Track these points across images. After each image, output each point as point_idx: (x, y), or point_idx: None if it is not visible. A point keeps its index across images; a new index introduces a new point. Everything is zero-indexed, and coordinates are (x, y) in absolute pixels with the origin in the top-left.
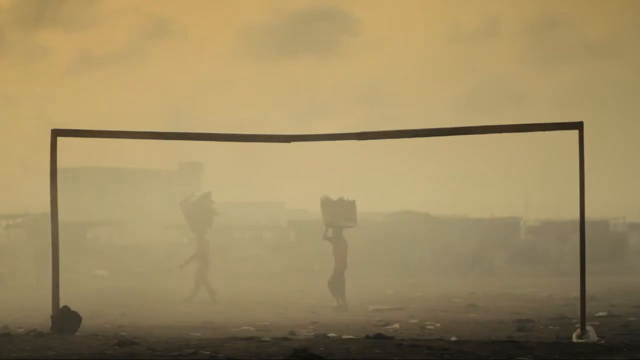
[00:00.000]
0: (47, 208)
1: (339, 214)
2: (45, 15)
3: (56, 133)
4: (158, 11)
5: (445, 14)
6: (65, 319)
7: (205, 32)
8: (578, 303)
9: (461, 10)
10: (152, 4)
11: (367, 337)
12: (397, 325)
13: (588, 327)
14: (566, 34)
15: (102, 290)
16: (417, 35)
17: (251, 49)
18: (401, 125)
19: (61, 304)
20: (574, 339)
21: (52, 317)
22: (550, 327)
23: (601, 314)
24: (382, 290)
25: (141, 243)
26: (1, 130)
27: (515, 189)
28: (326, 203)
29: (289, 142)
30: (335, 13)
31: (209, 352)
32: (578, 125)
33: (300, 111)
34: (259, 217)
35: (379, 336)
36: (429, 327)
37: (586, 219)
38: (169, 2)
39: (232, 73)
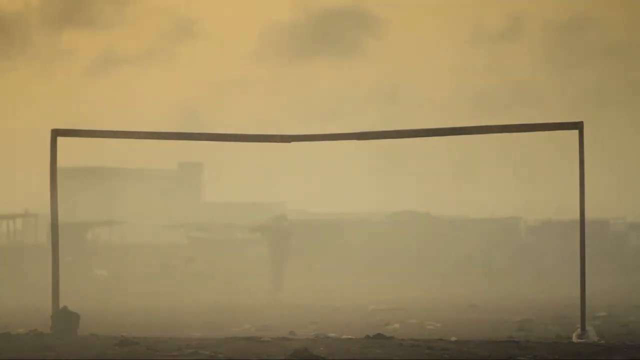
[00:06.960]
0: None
1: None
2: (70, 14)
3: (56, 133)
4: (183, 12)
5: (468, 16)
6: (65, 319)
7: (229, 33)
8: (578, 303)
9: (485, 11)
10: (178, 5)
11: (367, 337)
12: (397, 325)
13: (588, 327)
14: (589, 34)
15: (102, 290)
16: (440, 35)
17: (275, 50)
18: (419, 126)
19: (61, 304)
20: (574, 339)
21: (52, 317)
22: (550, 327)
23: (601, 314)
24: (382, 290)
25: (141, 243)
26: (7, 129)
27: (515, 189)
28: None
29: (289, 142)
30: (358, 14)
31: (209, 352)
32: (578, 126)
33: (320, 112)
34: (259, 217)
35: (379, 336)
36: (429, 327)
37: (586, 219)
38: (194, 3)
39: (255, 74)
